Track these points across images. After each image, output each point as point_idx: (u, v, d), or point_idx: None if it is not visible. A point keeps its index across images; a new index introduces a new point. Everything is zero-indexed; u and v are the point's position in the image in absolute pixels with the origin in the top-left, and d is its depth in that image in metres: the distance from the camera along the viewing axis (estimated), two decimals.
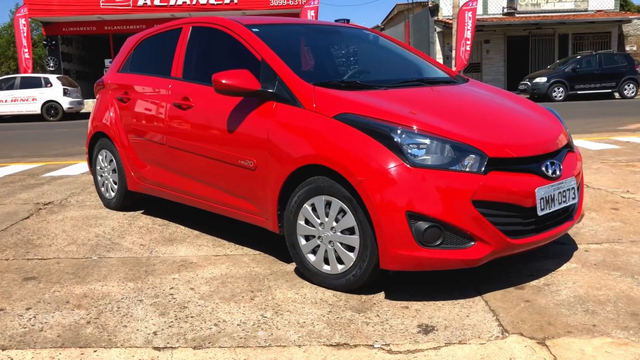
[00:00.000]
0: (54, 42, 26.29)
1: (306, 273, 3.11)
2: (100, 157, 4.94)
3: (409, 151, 2.73)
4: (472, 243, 2.73)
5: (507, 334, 2.48)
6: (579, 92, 20.46)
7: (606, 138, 8.86)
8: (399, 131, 2.77)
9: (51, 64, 26.18)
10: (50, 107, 19.35)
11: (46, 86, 19.44)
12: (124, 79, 4.70)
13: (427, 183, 2.68)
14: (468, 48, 22.12)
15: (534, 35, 25.65)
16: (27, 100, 19.25)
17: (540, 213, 2.86)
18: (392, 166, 2.70)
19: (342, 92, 3.13)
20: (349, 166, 2.78)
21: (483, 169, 2.73)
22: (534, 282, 3.04)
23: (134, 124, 4.44)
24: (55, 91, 19.33)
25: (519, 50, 25.59)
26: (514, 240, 2.80)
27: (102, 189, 4.97)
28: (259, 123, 3.28)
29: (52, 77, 19.86)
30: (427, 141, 2.76)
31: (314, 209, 3.02)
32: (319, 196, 2.97)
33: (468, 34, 22.06)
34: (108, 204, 4.93)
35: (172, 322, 2.69)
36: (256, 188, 3.35)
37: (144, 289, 3.11)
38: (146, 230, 4.28)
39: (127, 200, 4.78)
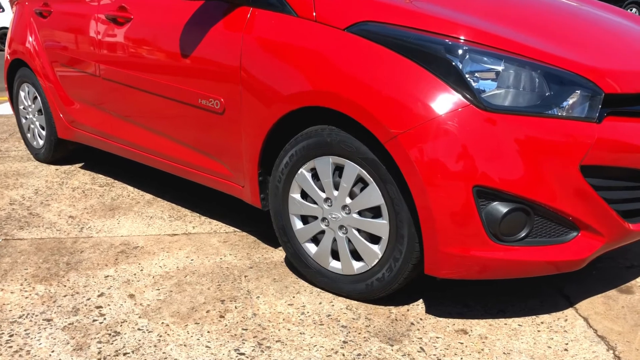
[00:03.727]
0: None
1: (303, 270, 2.08)
2: (22, 93, 3.75)
3: (476, 84, 1.64)
4: (575, 234, 1.70)
5: None
6: None
7: None
8: (459, 50, 1.66)
9: None
10: (4, 35, 17.51)
11: None
12: None
13: (508, 139, 1.61)
14: None
15: None
16: None
17: None
18: (449, 109, 1.62)
19: None
20: (375, 110, 1.69)
21: (597, 113, 1.66)
22: None
23: (58, 47, 3.23)
24: (8, 16, 17.46)
25: None
26: (633, 226, 1.77)
27: (29, 135, 3.81)
28: (228, 42, 2.14)
29: (4, 1, 17.89)
30: (502, 66, 1.66)
31: (315, 177, 1.95)
32: (324, 157, 1.89)
33: None
34: (37, 154, 3.78)
35: None
36: (226, 141, 2.25)
37: (59, 296, 2.05)
38: (82, 193, 3.17)
39: (60, 151, 3.63)
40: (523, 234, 1.66)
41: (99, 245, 2.48)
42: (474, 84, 1.64)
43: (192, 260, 2.31)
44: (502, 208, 1.63)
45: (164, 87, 2.46)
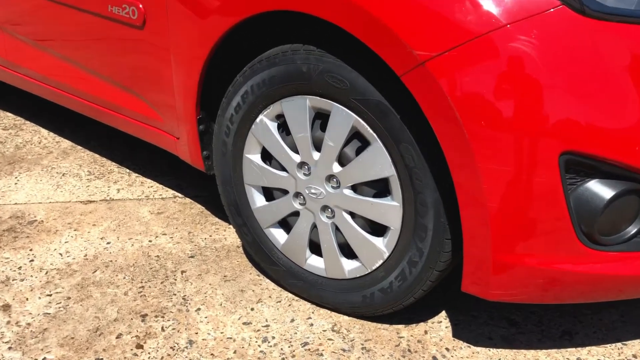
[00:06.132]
0: None
1: (268, 268, 1.40)
2: None
3: None
4: None
5: None
6: None
7: None
8: None
9: None
10: None
11: None
12: None
13: (623, 65, 0.91)
14: None
15: None
16: None
17: None
18: (524, 12, 0.90)
19: None
20: (388, 18, 0.97)
21: None
22: None
23: None
24: None
25: None
26: None
27: None
28: None
29: None
30: None
31: (282, 128, 1.24)
32: (297, 97, 1.17)
33: None
34: None
35: None
36: (150, 69, 1.51)
37: None
38: None
39: None
40: (633, 231, 1.00)
41: None
42: None
43: (108, 243, 1.61)
44: (605, 190, 0.95)
45: None
